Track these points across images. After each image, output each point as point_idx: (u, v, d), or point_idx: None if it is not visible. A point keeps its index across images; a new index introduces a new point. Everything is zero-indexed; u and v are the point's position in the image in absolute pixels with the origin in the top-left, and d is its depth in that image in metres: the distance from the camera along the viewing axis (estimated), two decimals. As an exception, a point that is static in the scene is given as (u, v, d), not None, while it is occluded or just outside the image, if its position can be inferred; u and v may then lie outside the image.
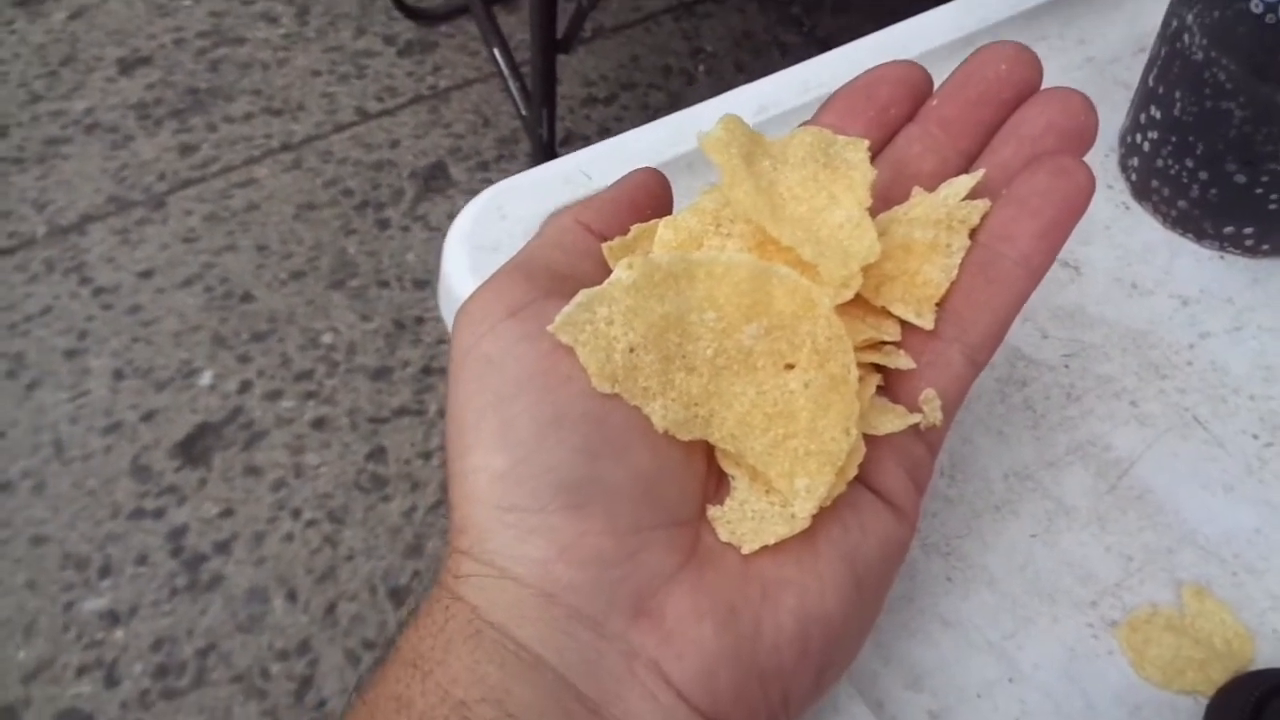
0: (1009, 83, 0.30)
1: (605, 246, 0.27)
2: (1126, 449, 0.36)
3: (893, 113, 0.30)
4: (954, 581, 0.33)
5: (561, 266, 0.27)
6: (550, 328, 0.24)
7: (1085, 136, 0.29)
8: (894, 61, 0.31)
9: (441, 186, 1.41)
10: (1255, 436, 0.37)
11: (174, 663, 1.02)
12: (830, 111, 0.31)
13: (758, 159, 0.27)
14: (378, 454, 1.18)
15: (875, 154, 0.30)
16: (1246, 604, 0.33)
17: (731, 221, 0.27)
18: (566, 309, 0.24)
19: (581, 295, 0.24)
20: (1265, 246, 0.41)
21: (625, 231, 0.28)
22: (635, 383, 0.25)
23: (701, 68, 1.57)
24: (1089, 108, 0.29)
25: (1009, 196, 0.28)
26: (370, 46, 1.57)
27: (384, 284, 1.31)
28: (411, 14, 1.60)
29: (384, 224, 1.37)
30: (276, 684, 1.02)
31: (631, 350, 0.24)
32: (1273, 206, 0.39)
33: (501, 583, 0.24)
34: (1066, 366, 0.38)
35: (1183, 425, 0.37)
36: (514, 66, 1.29)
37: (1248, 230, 0.40)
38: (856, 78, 0.31)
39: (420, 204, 1.39)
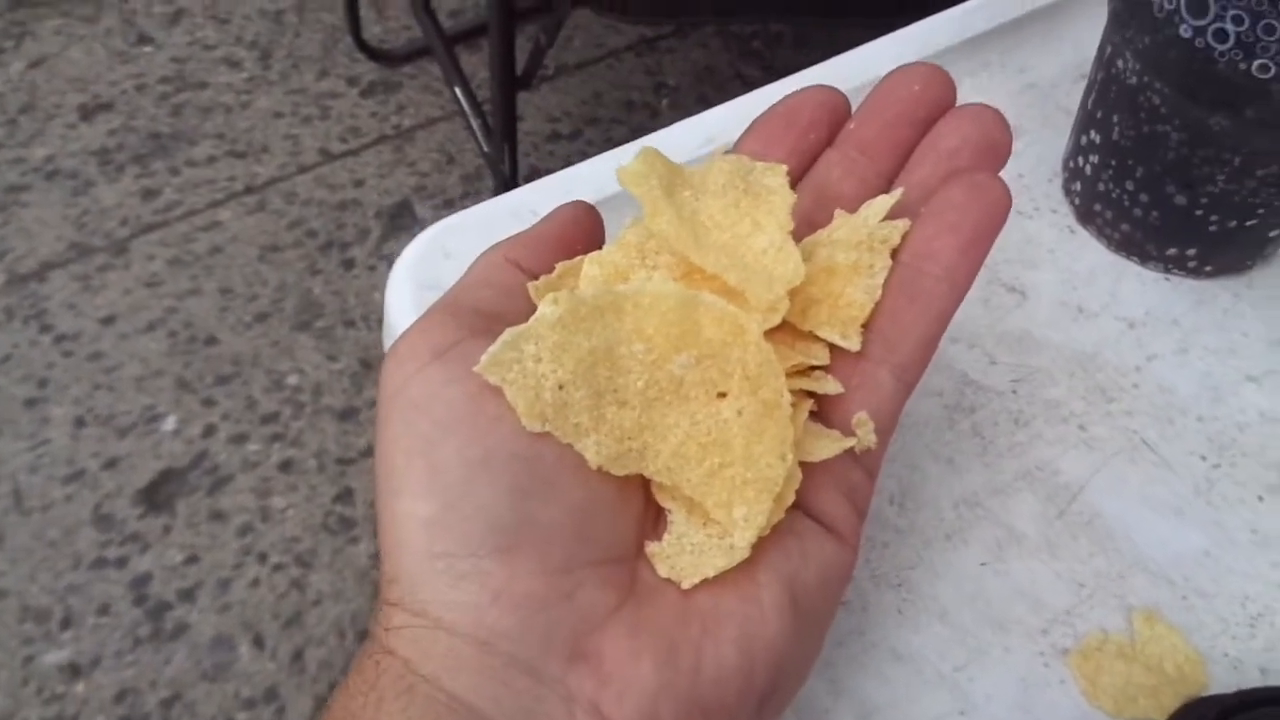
0: (924, 102, 0.30)
1: (531, 285, 0.27)
2: (1075, 474, 0.36)
3: (813, 137, 0.30)
4: (905, 614, 0.33)
5: (490, 305, 0.27)
6: (476, 368, 0.24)
7: (999, 151, 0.29)
8: (812, 86, 0.31)
9: (407, 225, 1.40)
10: (1203, 458, 0.37)
11: (137, 715, 1.00)
12: (752, 138, 0.31)
13: (678, 189, 0.27)
14: (345, 496, 1.16)
15: (797, 179, 0.30)
16: (1198, 628, 0.33)
17: (656, 253, 0.26)
18: (493, 348, 0.24)
19: (507, 334, 0.24)
20: (1209, 268, 0.41)
21: (554, 267, 0.27)
22: (566, 420, 0.24)
23: (664, 102, 1.58)
24: (1002, 123, 0.29)
25: (927, 214, 0.28)
26: (333, 88, 1.57)
27: (350, 324, 1.30)
28: (374, 55, 1.60)
29: (349, 264, 1.36)
30: (243, 733, 1.00)
31: (561, 387, 0.24)
32: (1213, 228, 0.39)
33: (434, 633, 0.23)
34: (1014, 392, 0.38)
35: (1131, 448, 0.37)
36: (475, 104, 1.29)
37: (1190, 252, 0.40)
38: (776, 104, 0.31)
39: (386, 243, 1.38)
